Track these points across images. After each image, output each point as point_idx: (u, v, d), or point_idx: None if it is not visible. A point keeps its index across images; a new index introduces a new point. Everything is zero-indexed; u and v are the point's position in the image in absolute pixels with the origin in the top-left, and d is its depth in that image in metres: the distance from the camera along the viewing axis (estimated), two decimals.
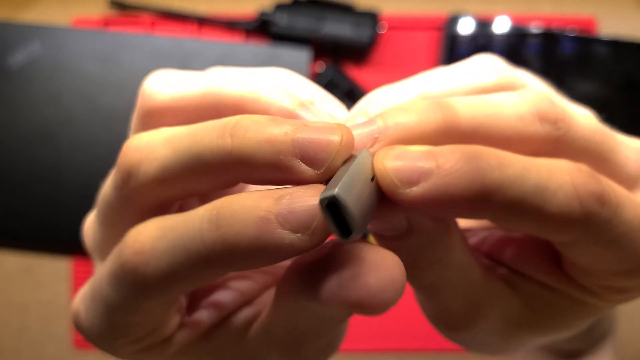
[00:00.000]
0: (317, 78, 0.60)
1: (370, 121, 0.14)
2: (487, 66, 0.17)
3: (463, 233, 0.16)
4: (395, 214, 0.14)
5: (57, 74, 0.59)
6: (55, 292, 0.63)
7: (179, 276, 0.13)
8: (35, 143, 0.59)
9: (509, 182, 0.13)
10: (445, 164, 0.13)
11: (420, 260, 0.16)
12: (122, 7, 0.61)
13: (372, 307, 0.13)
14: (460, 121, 0.14)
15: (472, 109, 0.14)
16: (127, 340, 0.16)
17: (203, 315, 0.17)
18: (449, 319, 0.18)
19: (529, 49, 0.60)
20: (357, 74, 0.62)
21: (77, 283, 0.62)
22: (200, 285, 0.14)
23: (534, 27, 0.60)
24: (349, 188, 0.12)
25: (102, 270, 0.15)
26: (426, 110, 0.14)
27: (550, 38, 0.60)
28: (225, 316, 0.18)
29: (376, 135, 0.14)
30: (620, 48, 0.60)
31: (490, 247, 0.18)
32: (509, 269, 0.18)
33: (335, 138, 0.13)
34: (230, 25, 0.60)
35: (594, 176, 0.14)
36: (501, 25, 0.60)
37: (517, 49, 0.60)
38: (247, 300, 0.18)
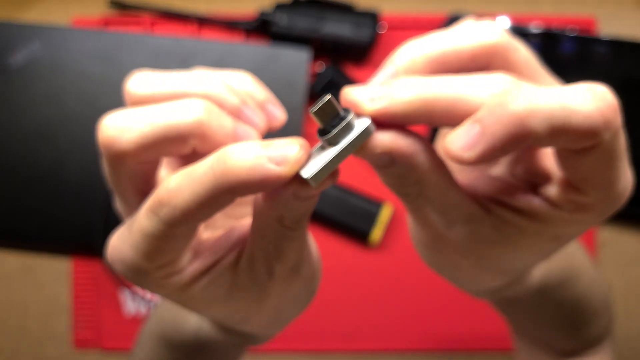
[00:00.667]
0: (317, 78, 0.60)
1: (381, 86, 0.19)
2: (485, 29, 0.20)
3: (443, 165, 0.20)
4: (382, 154, 0.19)
5: (57, 73, 0.59)
6: (55, 292, 0.63)
7: (199, 205, 0.18)
8: (36, 143, 0.59)
9: (541, 108, 0.16)
10: (488, 119, 0.16)
11: (404, 180, 0.20)
12: (122, 7, 0.61)
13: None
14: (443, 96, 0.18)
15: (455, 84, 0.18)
16: (153, 266, 0.20)
17: (207, 256, 0.22)
18: (429, 235, 0.22)
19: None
20: (357, 73, 0.62)
21: (77, 282, 0.62)
22: (214, 212, 0.18)
23: (534, 27, 0.60)
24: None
25: (139, 211, 0.20)
26: (422, 85, 0.18)
27: (550, 38, 0.60)
28: (222, 256, 0.22)
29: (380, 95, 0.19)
30: (620, 48, 0.60)
31: (474, 183, 0.22)
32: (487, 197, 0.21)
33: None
34: (230, 25, 0.60)
35: (597, 90, 0.17)
36: (501, 24, 0.60)
37: None
38: (235, 245, 0.23)
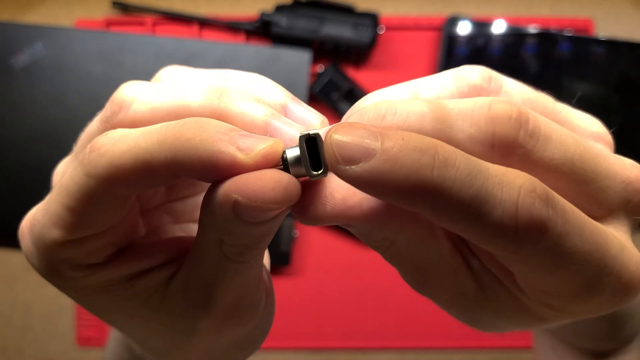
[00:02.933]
0: (317, 78, 0.60)
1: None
2: (474, 72, 0.17)
3: (422, 216, 0.17)
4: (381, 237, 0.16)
5: (60, 74, 0.59)
6: (58, 291, 0.63)
7: (139, 165, 0.15)
8: (39, 142, 0.60)
9: (447, 186, 0.12)
10: (389, 149, 0.13)
11: (366, 240, 0.17)
12: (125, 9, 0.62)
13: (256, 199, 0.14)
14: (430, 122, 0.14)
15: (443, 108, 0.15)
16: (72, 242, 0.17)
17: (131, 260, 0.18)
18: (408, 282, 0.19)
19: (526, 50, 0.61)
20: (356, 74, 0.62)
21: None
22: (149, 184, 0.16)
23: (532, 28, 0.60)
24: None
25: (69, 170, 0.17)
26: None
27: (547, 38, 0.60)
28: (150, 268, 0.19)
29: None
30: (617, 48, 0.60)
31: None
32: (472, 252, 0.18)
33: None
34: (231, 26, 0.61)
35: (546, 200, 0.13)
36: (499, 26, 0.61)
37: (514, 49, 0.61)
38: (170, 260, 0.19)
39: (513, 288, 0.17)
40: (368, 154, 0.13)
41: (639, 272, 0.15)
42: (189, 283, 0.18)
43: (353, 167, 0.13)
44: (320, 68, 0.61)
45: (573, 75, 0.61)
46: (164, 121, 0.16)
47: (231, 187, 0.14)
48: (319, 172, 0.15)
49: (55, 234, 0.17)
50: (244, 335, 0.20)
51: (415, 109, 0.14)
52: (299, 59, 0.59)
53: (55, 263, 0.18)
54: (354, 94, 0.61)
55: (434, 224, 0.17)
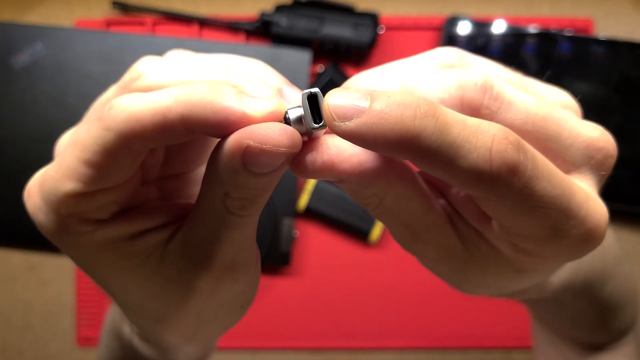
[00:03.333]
0: (317, 78, 0.60)
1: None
2: (447, 53, 0.20)
3: (408, 174, 0.19)
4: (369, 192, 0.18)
5: (60, 74, 0.59)
6: (59, 290, 0.64)
7: (158, 122, 0.16)
8: (39, 142, 0.60)
9: (427, 133, 0.14)
10: (376, 106, 0.15)
11: (357, 197, 0.19)
12: (125, 9, 0.62)
13: (267, 142, 0.16)
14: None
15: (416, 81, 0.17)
16: (84, 196, 0.18)
17: (134, 219, 0.20)
18: (397, 240, 0.21)
19: (526, 49, 0.61)
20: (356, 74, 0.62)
21: (81, 281, 0.63)
22: (166, 139, 0.17)
23: (532, 28, 0.61)
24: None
25: (84, 128, 0.18)
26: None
27: (547, 38, 0.60)
28: (151, 228, 0.20)
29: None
30: (617, 48, 0.60)
31: (443, 187, 0.21)
32: (454, 209, 0.20)
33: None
34: (231, 26, 0.61)
35: (518, 146, 0.15)
36: (499, 26, 0.61)
37: (514, 49, 0.61)
38: (169, 222, 0.20)
39: (492, 237, 0.18)
40: (359, 111, 0.15)
41: (602, 220, 0.16)
42: (188, 242, 0.19)
43: (347, 122, 0.15)
44: (320, 68, 0.61)
45: (573, 75, 0.61)
46: None
47: (243, 134, 0.16)
48: (319, 124, 0.17)
49: (69, 186, 0.18)
50: (235, 295, 0.21)
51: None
52: (299, 59, 0.59)
53: (64, 217, 0.19)
54: None
55: (419, 182, 0.19)
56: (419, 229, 0.19)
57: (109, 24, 0.62)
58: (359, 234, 0.62)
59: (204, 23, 0.62)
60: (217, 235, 0.18)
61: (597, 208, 0.16)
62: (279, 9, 0.59)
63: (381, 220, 0.20)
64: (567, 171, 0.18)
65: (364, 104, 0.15)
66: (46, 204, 0.19)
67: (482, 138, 0.14)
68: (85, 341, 0.64)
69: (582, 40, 0.60)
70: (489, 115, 0.16)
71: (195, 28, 0.62)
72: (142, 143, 0.17)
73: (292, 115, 0.17)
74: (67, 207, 0.18)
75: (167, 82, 0.18)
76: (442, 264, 0.20)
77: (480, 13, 0.63)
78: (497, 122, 0.16)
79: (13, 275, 0.64)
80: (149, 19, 0.62)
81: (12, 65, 0.59)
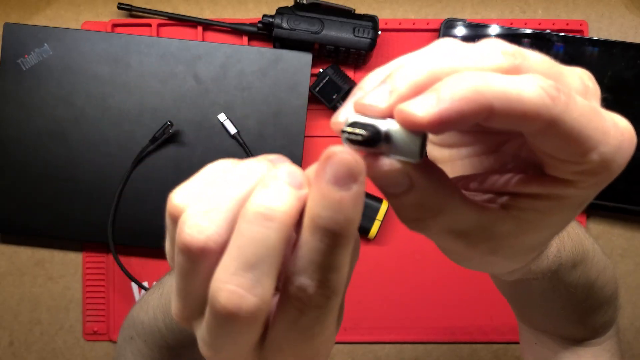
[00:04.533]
0: (317, 79, 0.62)
1: (382, 82, 0.18)
2: (448, 44, 0.21)
3: (455, 184, 0.20)
4: (399, 171, 0.18)
5: (67, 74, 0.61)
6: (66, 285, 0.65)
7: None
8: (47, 141, 0.61)
9: (497, 87, 0.16)
10: (445, 88, 0.16)
11: (422, 212, 0.20)
12: (130, 11, 0.63)
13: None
14: (444, 67, 0.18)
15: (448, 55, 0.18)
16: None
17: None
18: (451, 258, 0.23)
19: None
20: (356, 75, 0.64)
21: (87, 276, 0.64)
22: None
23: (526, 29, 0.62)
24: None
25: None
26: (418, 62, 0.18)
27: (541, 39, 0.61)
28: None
29: (390, 90, 0.18)
30: (611, 49, 0.61)
31: (482, 185, 0.22)
32: (501, 194, 0.22)
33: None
34: (234, 29, 0.62)
35: (551, 81, 0.17)
36: (495, 28, 0.62)
37: None
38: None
39: (549, 186, 0.20)
40: (434, 98, 0.16)
41: (630, 128, 0.19)
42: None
43: (429, 110, 0.16)
44: (320, 70, 0.62)
45: None
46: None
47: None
48: (420, 143, 0.18)
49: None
50: None
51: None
52: (300, 61, 0.60)
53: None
54: None
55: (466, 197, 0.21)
56: (475, 235, 0.21)
57: (115, 26, 0.63)
58: (359, 230, 0.63)
59: (208, 26, 0.63)
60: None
61: (618, 115, 0.19)
62: (280, 12, 0.60)
63: (428, 235, 0.22)
64: None
65: (432, 93, 0.16)
66: None
67: (530, 82, 0.17)
68: (92, 336, 0.65)
69: (576, 41, 0.62)
70: (518, 65, 0.19)
71: (199, 30, 0.63)
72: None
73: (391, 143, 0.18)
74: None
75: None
76: (491, 253, 0.22)
77: (476, 16, 0.64)
78: (525, 69, 0.18)
79: (21, 271, 0.65)
80: (154, 21, 0.63)
81: (20, 66, 0.60)
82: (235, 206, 0.19)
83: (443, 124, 0.16)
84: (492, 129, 0.19)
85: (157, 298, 0.39)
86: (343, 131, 0.18)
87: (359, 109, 0.18)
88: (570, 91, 0.17)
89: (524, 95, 0.16)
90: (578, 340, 0.40)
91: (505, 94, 0.16)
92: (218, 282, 0.18)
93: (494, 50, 0.18)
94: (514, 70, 0.18)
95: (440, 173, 0.20)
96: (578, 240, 0.33)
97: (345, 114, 0.19)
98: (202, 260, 0.19)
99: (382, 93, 0.18)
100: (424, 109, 0.16)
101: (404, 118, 0.17)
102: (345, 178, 0.17)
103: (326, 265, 0.18)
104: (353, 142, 0.18)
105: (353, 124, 0.18)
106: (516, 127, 0.17)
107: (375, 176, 0.19)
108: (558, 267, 0.31)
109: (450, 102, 0.16)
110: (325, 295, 0.18)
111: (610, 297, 0.37)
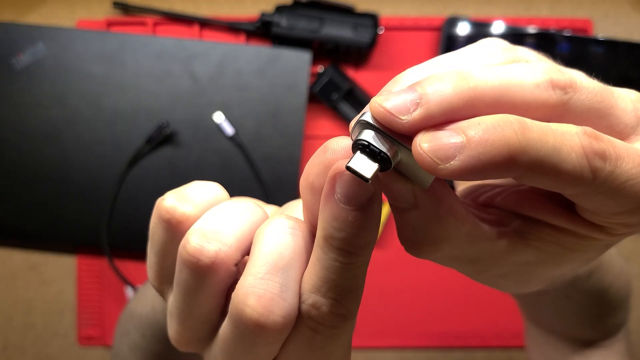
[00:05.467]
0: (317, 78, 0.61)
1: (410, 88, 0.15)
2: (494, 47, 0.19)
3: (466, 215, 0.19)
4: (405, 189, 0.17)
5: (61, 74, 0.60)
6: (60, 289, 0.64)
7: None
8: (41, 142, 0.60)
9: (531, 146, 0.14)
10: (475, 136, 0.14)
11: (421, 235, 0.18)
12: (125, 9, 0.62)
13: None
14: (486, 89, 0.16)
15: (496, 77, 0.16)
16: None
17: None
18: (466, 275, 0.21)
19: None
20: (356, 74, 0.63)
21: (82, 280, 0.63)
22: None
23: (531, 28, 0.61)
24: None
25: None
26: (458, 79, 0.15)
27: (546, 39, 0.61)
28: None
29: (417, 101, 0.15)
30: (616, 48, 0.61)
31: (504, 201, 0.20)
32: (523, 218, 0.20)
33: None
34: (231, 27, 0.61)
35: (597, 137, 0.15)
36: (498, 27, 0.61)
37: None
38: None
39: (578, 226, 0.19)
40: (460, 147, 0.14)
41: None
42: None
43: (451, 162, 0.14)
44: (320, 68, 0.61)
45: None
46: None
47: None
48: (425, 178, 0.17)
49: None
50: None
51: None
52: (299, 60, 0.59)
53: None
54: (353, 94, 0.61)
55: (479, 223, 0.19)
56: (488, 260, 0.20)
57: (110, 24, 0.62)
58: None
59: (205, 23, 0.62)
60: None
61: None
62: (279, 9, 0.59)
63: (449, 265, 0.20)
64: (628, 136, 0.18)
65: (458, 138, 0.14)
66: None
67: (570, 137, 0.15)
68: (86, 340, 0.64)
69: (581, 40, 0.61)
70: (566, 102, 0.17)
71: (195, 28, 0.62)
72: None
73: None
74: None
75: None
76: (508, 278, 0.21)
77: (480, 13, 0.63)
78: (573, 106, 0.17)
79: (14, 274, 0.64)
80: (149, 19, 0.62)
81: (14, 65, 0.59)
82: (248, 219, 0.19)
83: (462, 177, 0.15)
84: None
85: (154, 290, 0.38)
86: (353, 146, 0.16)
87: (378, 114, 0.15)
88: (618, 151, 0.16)
89: (563, 163, 0.15)
90: (587, 342, 0.39)
91: (541, 159, 0.14)
92: (245, 288, 0.17)
93: (544, 78, 0.16)
94: (560, 108, 0.16)
95: (450, 204, 0.18)
96: None
97: (358, 118, 0.17)
98: (211, 275, 0.18)
99: (406, 101, 0.15)
100: (445, 157, 0.14)
101: (420, 159, 0.15)
102: (357, 198, 0.16)
103: (341, 284, 0.17)
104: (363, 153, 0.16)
105: (365, 147, 0.16)
106: (548, 189, 0.16)
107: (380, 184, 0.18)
108: (574, 279, 0.30)
109: (478, 158, 0.14)
110: (340, 315, 0.18)
111: (623, 300, 0.36)
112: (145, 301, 0.39)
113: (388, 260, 0.64)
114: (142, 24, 0.62)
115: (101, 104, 0.60)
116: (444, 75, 0.15)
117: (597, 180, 0.15)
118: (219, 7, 0.63)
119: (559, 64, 0.19)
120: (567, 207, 0.19)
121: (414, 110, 0.15)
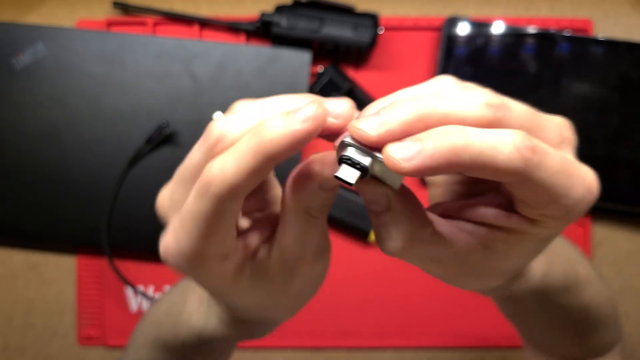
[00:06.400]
0: (317, 78, 0.61)
1: (376, 113, 0.20)
2: (446, 80, 0.23)
3: (428, 218, 0.23)
4: (381, 192, 0.22)
5: (61, 74, 0.60)
6: (60, 289, 0.64)
7: (245, 177, 0.20)
8: (41, 142, 0.60)
9: (471, 144, 0.19)
10: (428, 141, 0.19)
11: (395, 235, 0.23)
12: (125, 9, 0.62)
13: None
14: (436, 109, 0.20)
15: (441, 100, 0.20)
16: (209, 248, 0.22)
17: (238, 252, 0.24)
18: (437, 277, 0.26)
19: (525, 50, 0.61)
20: (356, 74, 0.63)
21: (82, 280, 0.63)
22: (258, 181, 0.21)
23: (531, 28, 0.61)
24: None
25: (186, 203, 0.22)
26: (414, 103, 0.20)
27: (546, 39, 0.60)
28: (252, 252, 0.25)
29: (382, 122, 0.20)
30: (616, 48, 0.60)
31: (457, 211, 0.25)
32: (470, 222, 0.24)
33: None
34: (231, 27, 0.61)
35: (527, 136, 0.19)
36: (498, 27, 0.61)
37: (513, 49, 0.61)
38: (264, 239, 0.26)
39: (515, 222, 0.23)
40: (417, 152, 0.19)
41: (594, 177, 0.21)
42: (284, 245, 0.25)
43: (412, 162, 0.19)
44: (320, 68, 0.61)
45: (572, 76, 0.61)
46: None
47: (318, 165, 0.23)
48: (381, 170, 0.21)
49: (200, 247, 0.23)
50: (322, 270, 0.27)
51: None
52: (299, 60, 0.59)
53: (202, 267, 0.23)
54: (353, 94, 0.61)
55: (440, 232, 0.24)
56: (447, 260, 0.24)
57: (110, 24, 0.62)
58: (359, 234, 0.62)
59: (205, 24, 0.62)
60: (306, 232, 0.24)
61: (587, 169, 0.21)
62: (279, 9, 0.59)
63: (421, 266, 0.25)
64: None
65: (417, 144, 0.19)
66: (187, 261, 0.23)
67: (505, 137, 0.19)
68: (86, 340, 0.64)
69: (581, 40, 0.61)
70: (501, 118, 0.21)
71: (195, 28, 0.62)
72: (239, 202, 0.21)
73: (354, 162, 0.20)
74: (203, 259, 0.23)
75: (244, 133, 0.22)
76: (459, 270, 0.25)
77: (480, 14, 0.63)
78: (506, 121, 0.20)
79: (14, 275, 0.64)
80: (149, 19, 0.62)
81: (14, 65, 0.59)
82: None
83: (421, 173, 0.19)
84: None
85: (164, 310, 0.38)
86: (339, 160, 0.21)
87: (355, 134, 0.20)
88: (544, 148, 0.19)
89: (499, 156, 0.19)
90: None
91: (481, 154, 0.18)
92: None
93: (480, 100, 0.20)
94: (496, 122, 0.20)
95: (417, 206, 0.23)
96: (570, 265, 0.34)
97: (341, 139, 0.21)
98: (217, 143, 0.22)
99: (374, 123, 0.20)
100: (406, 158, 0.18)
101: (388, 162, 0.19)
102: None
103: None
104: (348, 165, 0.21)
105: (347, 159, 0.20)
106: (492, 179, 0.20)
107: (361, 190, 0.22)
108: (545, 289, 0.32)
109: (431, 157, 0.18)
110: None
111: (606, 318, 0.37)
112: (153, 319, 0.39)
113: (387, 261, 0.64)
114: (142, 24, 0.62)
115: (101, 104, 0.60)
116: (403, 102, 0.20)
117: (527, 168, 0.19)
118: (219, 7, 0.63)
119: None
120: (507, 210, 0.23)
121: (380, 129, 0.19)
